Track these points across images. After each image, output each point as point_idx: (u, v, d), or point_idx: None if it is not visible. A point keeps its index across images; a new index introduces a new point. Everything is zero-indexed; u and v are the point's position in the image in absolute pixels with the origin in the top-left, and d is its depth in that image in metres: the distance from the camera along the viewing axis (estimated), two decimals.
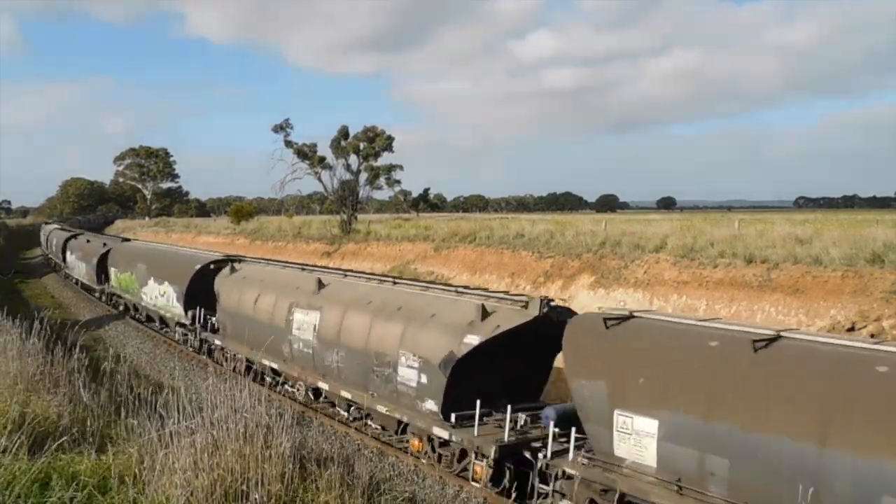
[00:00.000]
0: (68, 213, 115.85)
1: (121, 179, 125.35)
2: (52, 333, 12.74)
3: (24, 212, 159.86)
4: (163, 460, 7.37)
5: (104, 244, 35.29)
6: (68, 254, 42.59)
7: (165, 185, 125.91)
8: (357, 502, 7.76)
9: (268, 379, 17.35)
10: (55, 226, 65.62)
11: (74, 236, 45.19)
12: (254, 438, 7.76)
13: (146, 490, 7.22)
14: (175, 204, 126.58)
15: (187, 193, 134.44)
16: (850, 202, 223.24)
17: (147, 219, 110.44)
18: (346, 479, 7.98)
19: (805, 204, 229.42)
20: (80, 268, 38.53)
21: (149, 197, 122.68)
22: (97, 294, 34.41)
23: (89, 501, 7.15)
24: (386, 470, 12.30)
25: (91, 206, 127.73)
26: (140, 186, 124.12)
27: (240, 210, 74.12)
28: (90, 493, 7.23)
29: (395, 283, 15.42)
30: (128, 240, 38.41)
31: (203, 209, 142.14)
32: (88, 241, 40.16)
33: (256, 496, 7.23)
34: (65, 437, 7.97)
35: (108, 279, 32.14)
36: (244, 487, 7.32)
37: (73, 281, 41.33)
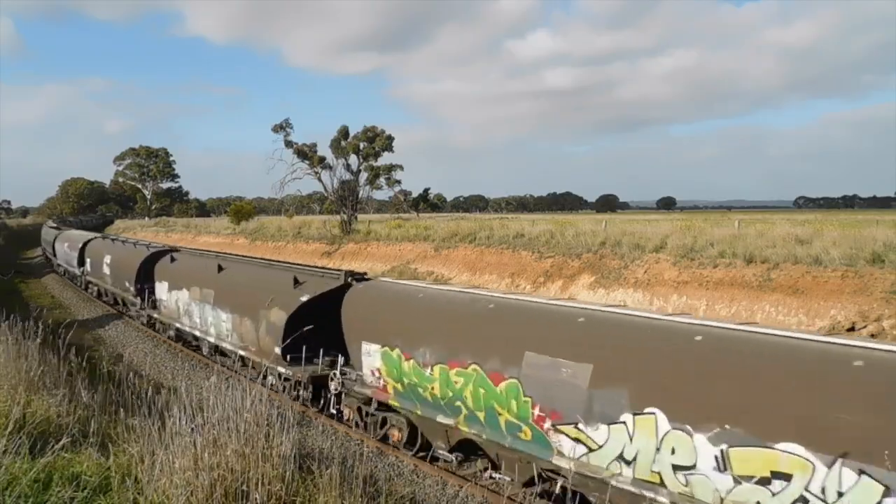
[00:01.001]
0: (68, 213, 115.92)
1: (121, 179, 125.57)
2: (53, 333, 12.75)
3: (24, 212, 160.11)
4: (163, 460, 7.38)
5: (294, 280, 16.11)
6: (163, 289, 23.26)
7: (165, 185, 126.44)
8: (357, 502, 7.77)
9: None
10: (90, 234, 43.58)
11: (166, 255, 25.30)
12: (255, 438, 7.78)
13: (146, 490, 7.23)
14: (175, 204, 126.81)
15: (187, 193, 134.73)
16: (850, 202, 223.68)
17: (147, 219, 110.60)
18: (346, 479, 7.99)
19: (805, 204, 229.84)
20: (214, 322, 19.06)
21: (149, 197, 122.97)
22: (281, 384, 15.59)
23: (90, 501, 7.16)
24: (386, 470, 12.30)
25: (91, 206, 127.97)
26: (140, 186, 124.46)
27: (240, 210, 74.18)
28: (91, 493, 7.26)
29: None
30: (362, 278, 15.46)
31: (203, 209, 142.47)
32: (222, 267, 20.08)
33: (257, 496, 7.24)
34: (65, 438, 7.97)
35: (315, 357, 14.52)
36: (245, 487, 7.33)
37: (166, 326, 23.41)
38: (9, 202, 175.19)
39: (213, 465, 7.33)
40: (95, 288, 35.02)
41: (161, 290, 23.60)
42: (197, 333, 20.56)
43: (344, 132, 55.41)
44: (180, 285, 21.75)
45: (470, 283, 28.13)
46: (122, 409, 9.49)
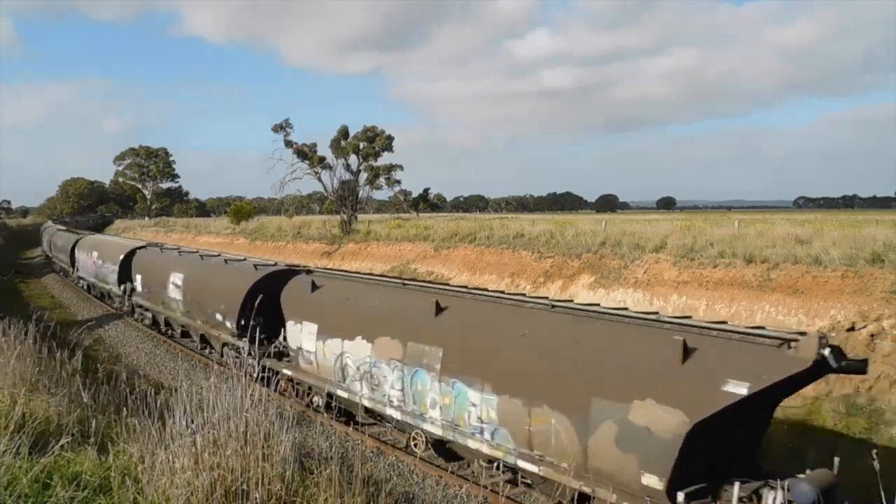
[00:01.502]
0: (68, 213, 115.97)
1: (121, 179, 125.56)
2: (53, 333, 12.76)
3: (24, 212, 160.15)
4: (163, 460, 7.39)
5: (684, 349, 8.19)
6: (304, 334, 15.31)
7: (165, 185, 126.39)
8: (357, 502, 7.78)
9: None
10: (134, 242, 35.25)
11: (295, 277, 16.93)
12: (254, 438, 7.79)
13: (146, 490, 7.23)
14: (175, 204, 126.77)
15: (187, 193, 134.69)
16: (850, 202, 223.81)
17: (147, 219, 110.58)
18: (345, 478, 7.99)
19: (805, 204, 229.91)
20: (443, 402, 11.47)
21: (149, 197, 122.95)
22: None
23: (90, 501, 7.17)
24: (386, 470, 12.30)
25: (91, 206, 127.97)
26: (140, 186, 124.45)
27: (239, 210, 74.12)
28: (91, 493, 7.26)
29: None
30: (835, 348, 7.59)
31: (203, 209, 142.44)
32: (442, 307, 12.02)
33: (257, 496, 7.24)
34: (65, 438, 7.98)
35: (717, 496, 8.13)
36: (244, 487, 7.34)
37: (307, 389, 15.78)
38: (9, 202, 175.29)
39: (213, 465, 7.33)
40: (149, 314, 26.16)
41: (301, 334, 15.41)
42: (394, 414, 12.77)
43: (344, 132, 55.38)
44: (349, 333, 13.82)
45: (470, 283, 28.11)
46: (122, 409, 9.49)
